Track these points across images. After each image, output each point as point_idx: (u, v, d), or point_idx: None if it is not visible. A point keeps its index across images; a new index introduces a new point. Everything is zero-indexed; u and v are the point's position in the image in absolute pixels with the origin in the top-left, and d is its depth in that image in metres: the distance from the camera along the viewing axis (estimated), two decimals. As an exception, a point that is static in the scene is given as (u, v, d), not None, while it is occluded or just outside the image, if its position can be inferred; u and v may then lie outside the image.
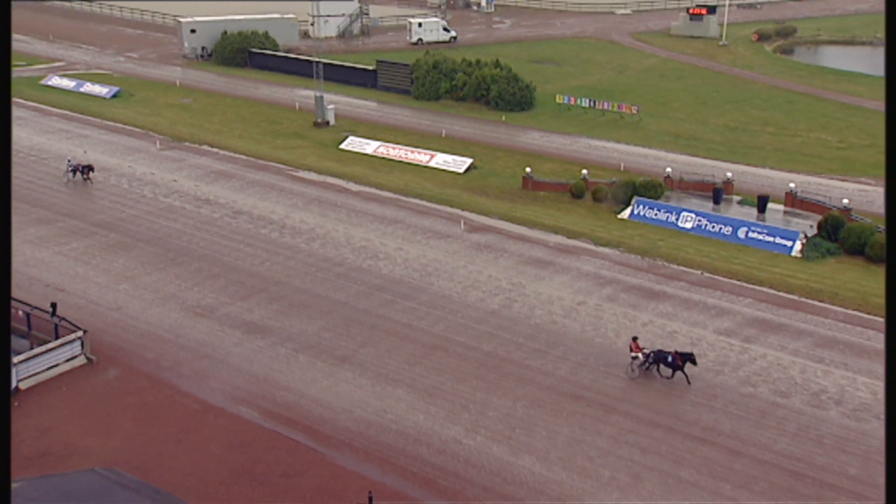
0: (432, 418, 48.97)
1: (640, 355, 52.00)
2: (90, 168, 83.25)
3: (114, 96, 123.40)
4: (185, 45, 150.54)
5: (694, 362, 51.69)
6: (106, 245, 70.77)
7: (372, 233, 74.54)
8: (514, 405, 50.15)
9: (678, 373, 51.82)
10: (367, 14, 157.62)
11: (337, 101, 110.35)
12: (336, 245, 71.86)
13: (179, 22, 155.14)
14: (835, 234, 72.87)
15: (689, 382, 51.41)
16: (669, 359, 51.46)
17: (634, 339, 53.02)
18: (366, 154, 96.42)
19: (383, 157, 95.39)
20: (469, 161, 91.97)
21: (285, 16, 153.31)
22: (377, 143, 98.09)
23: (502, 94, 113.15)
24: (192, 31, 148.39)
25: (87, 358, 53.28)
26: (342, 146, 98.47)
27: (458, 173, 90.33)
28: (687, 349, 54.20)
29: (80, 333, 52.96)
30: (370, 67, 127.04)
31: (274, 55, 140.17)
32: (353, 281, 65.56)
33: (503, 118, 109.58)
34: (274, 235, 73.94)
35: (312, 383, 52.29)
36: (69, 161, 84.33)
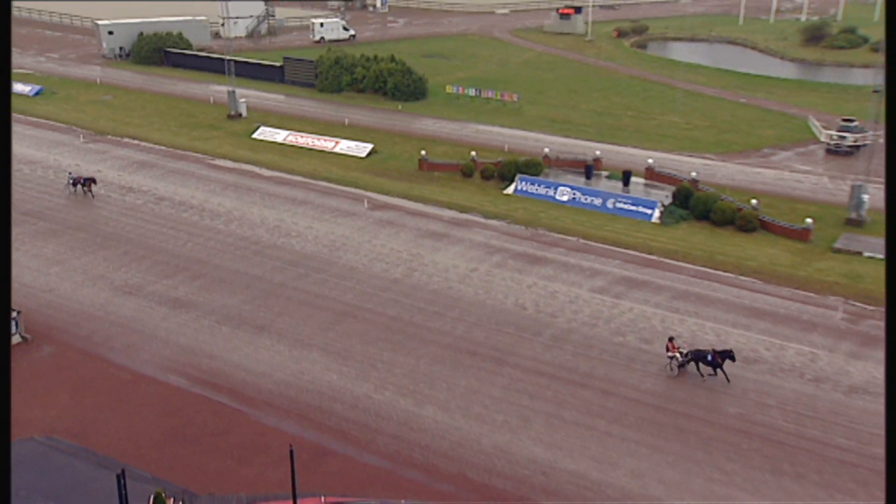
0: (345, 377, 48.73)
1: (677, 355, 49.43)
2: (92, 181, 75.97)
3: (37, 94, 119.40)
4: (104, 45, 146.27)
5: (733, 359, 48.50)
6: (35, 232, 68.61)
7: (284, 213, 73.55)
8: (418, 363, 50.14)
9: (703, 367, 48.86)
10: (272, 15, 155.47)
11: (248, 95, 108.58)
12: (252, 225, 70.76)
13: (97, 24, 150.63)
14: (686, 202, 73.90)
15: (728, 381, 48.57)
16: (709, 357, 48.66)
17: (671, 339, 50.21)
18: (276, 142, 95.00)
19: (292, 145, 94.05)
20: (370, 146, 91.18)
21: (197, 17, 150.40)
22: (286, 132, 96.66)
23: (398, 86, 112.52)
24: (110, 32, 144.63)
25: (23, 336, 51.61)
26: (254, 136, 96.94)
27: (361, 157, 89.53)
28: (588, 315, 54.52)
29: (14, 314, 50.90)
30: (277, 64, 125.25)
31: (188, 54, 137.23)
32: (268, 257, 64.64)
33: (399, 107, 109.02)
34: (194, 219, 72.44)
35: (235, 351, 51.59)
36: (70, 174, 77.70)
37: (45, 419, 43.92)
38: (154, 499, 36.95)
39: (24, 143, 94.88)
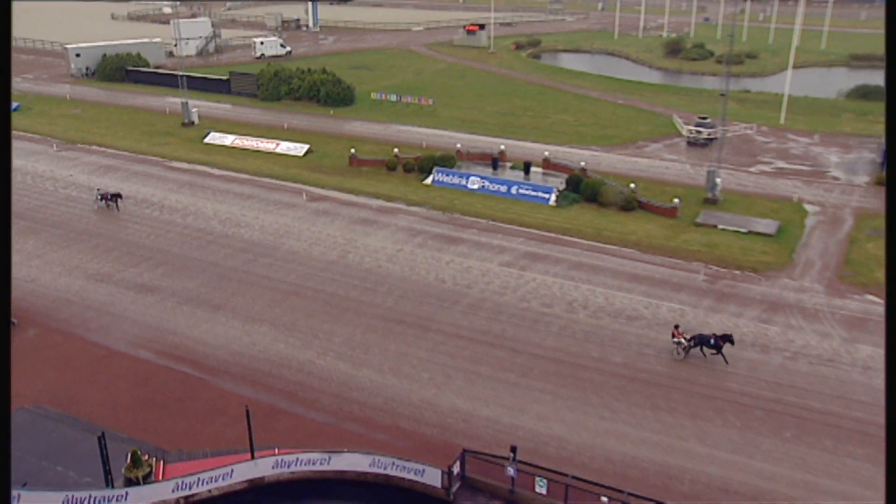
0: (291, 347, 48.32)
1: (682, 340, 47.97)
2: (118, 196, 71.40)
3: (15, 110, 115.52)
4: (72, 66, 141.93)
5: (732, 342, 47.50)
6: (17, 231, 65.98)
7: (234, 207, 72.28)
8: (354, 331, 49.91)
9: (706, 350, 47.20)
10: (219, 36, 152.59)
11: (199, 105, 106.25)
12: (206, 218, 69.41)
13: (66, 48, 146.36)
14: (577, 187, 74.33)
15: (726, 362, 46.95)
16: (712, 341, 47.33)
17: (676, 326, 48.86)
18: (225, 145, 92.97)
19: (239, 147, 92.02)
20: (307, 146, 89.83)
21: (153, 39, 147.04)
22: (234, 136, 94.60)
23: (329, 94, 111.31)
24: (77, 54, 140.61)
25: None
26: (206, 140, 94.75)
27: (299, 156, 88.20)
28: (494, 285, 54.67)
29: (1, 301, 49.59)
30: (224, 77, 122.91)
31: (146, 71, 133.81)
32: (221, 246, 63.56)
33: (331, 112, 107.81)
34: (155, 214, 70.80)
35: (195, 327, 50.85)
36: (98, 190, 72.76)
37: (34, 391, 42.85)
38: (131, 456, 36.51)
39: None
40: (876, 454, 39.75)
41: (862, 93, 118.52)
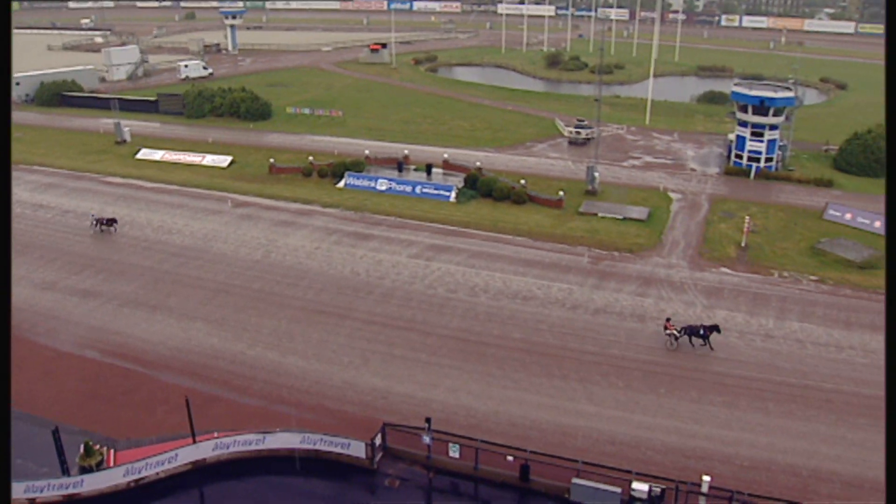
0: (224, 340, 47.46)
1: (674, 332, 46.59)
2: (113, 221, 66.51)
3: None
4: (13, 94, 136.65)
5: (719, 331, 46.27)
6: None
7: (165, 215, 70.14)
8: (279, 323, 49.28)
9: (695, 339, 46.55)
10: (146, 61, 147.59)
11: (131, 125, 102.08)
12: (140, 227, 67.11)
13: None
14: (474, 184, 74.54)
15: (711, 349, 45.92)
16: (701, 331, 45.97)
17: (668, 319, 47.36)
18: (155, 160, 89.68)
19: (168, 161, 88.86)
20: (230, 158, 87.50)
21: (87, 66, 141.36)
22: (163, 151, 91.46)
23: (249, 110, 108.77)
24: (17, 83, 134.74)
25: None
26: (137, 156, 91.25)
27: (223, 167, 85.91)
28: (404, 273, 54.51)
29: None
30: (153, 98, 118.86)
31: (81, 96, 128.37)
32: (156, 251, 61.75)
33: (251, 126, 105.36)
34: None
35: (135, 327, 49.50)
36: (92, 215, 67.33)
37: (-14, 394, 41.16)
38: (84, 446, 36.13)
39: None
40: (732, 400, 41.40)
41: (709, 97, 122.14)
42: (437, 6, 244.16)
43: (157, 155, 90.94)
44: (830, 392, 42.43)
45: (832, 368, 44.76)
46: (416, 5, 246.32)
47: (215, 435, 36.91)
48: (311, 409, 40.40)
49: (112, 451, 37.06)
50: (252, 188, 77.22)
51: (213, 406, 40.46)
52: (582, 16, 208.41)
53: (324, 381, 42.91)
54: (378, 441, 36.77)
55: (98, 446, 36.75)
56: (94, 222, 66.52)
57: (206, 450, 36.66)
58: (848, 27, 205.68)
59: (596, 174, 74.22)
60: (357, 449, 36.57)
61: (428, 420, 36.13)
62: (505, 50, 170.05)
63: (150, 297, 53.46)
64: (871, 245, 62.54)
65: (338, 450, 36.84)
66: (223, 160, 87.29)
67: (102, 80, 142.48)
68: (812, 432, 39.03)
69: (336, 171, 79.58)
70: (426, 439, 36.26)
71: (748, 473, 35.97)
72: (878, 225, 66.07)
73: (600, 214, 68.71)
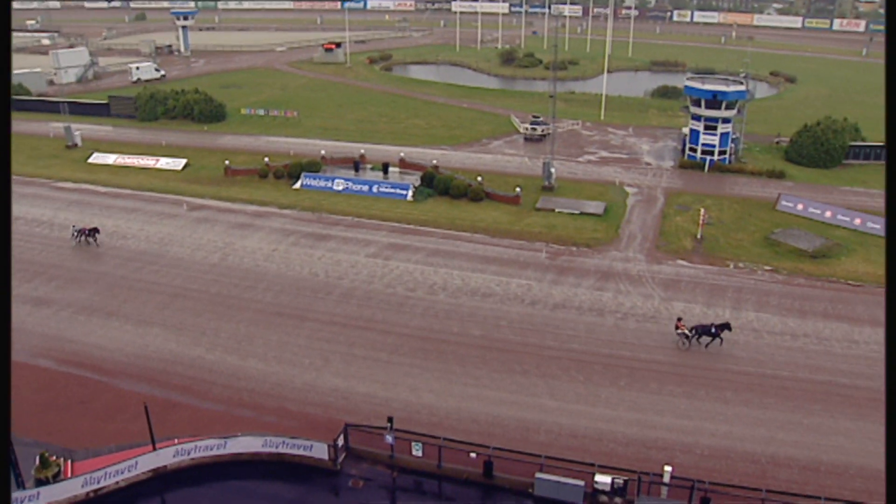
0: (182, 345, 46.87)
1: (685, 332, 46.25)
2: (96, 230, 63.21)
3: None
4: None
5: (730, 329, 46.25)
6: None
7: (120, 220, 68.94)
8: (238, 326, 48.80)
9: (713, 338, 46.25)
10: (96, 63, 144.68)
11: (82, 129, 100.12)
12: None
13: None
14: (431, 183, 74.60)
15: (721, 344, 46.08)
16: (713, 330, 45.86)
17: (679, 319, 47.11)
18: (108, 164, 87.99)
19: (121, 165, 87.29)
20: (184, 161, 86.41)
21: (34, 69, 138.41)
22: (116, 155, 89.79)
23: (203, 112, 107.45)
24: None
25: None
26: (89, 161, 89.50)
27: (178, 170, 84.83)
28: (362, 272, 54.32)
29: None
30: (104, 101, 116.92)
31: (29, 99, 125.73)
32: (111, 257, 60.80)
33: (205, 128, 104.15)
34: (45, 232, 66.77)
35: (91, 334, 48.64)
36: (73, 226, 64.24)
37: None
38: (39, 458, 35.51)
39: None
40: (691, 391, 41.98)
41: (662, 92, 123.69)
42: (390, 4, 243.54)
43: (110, 159, 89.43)
44: (786, 380, 43.27)
45: (788, 356, 45.64)
46: (369, 4, 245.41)
47: (176, 441, 36.53)
48: (271, 411, 40.13)
49: (69, 461, 36.45)
50: (208, 191, 76.36)
51: (173, 412, 39.97)
52: (536, 13, 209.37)
53: (284, 383, 42.65)
54: (340, 442, 36.68)
55: (54, 457, 36.13)
56: (76, 233, 63.59)
57: (166, 457, 36.26)
58: (795, 22, 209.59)
59: (552, 170, 74.71)
60: (320, 450, 36.45)
61: (390, 419, 36.11)
62: (459, 48, 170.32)
63: (105, 304, 52.60)
64: (822, 234, 63.86)
65: (300, 452, 36.67)
66: (178, 163, 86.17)
67: (51, 83, 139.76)
68: (769, 419, 39.76)
69: (292, 171, 79.06)
70: (389, 439, 36.25)
71: (708, 462, 36.54)
72: (829, 215, 67.48)
73: (557, 210, 69.18)
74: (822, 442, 38.11)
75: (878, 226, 65.22)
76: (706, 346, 46.37)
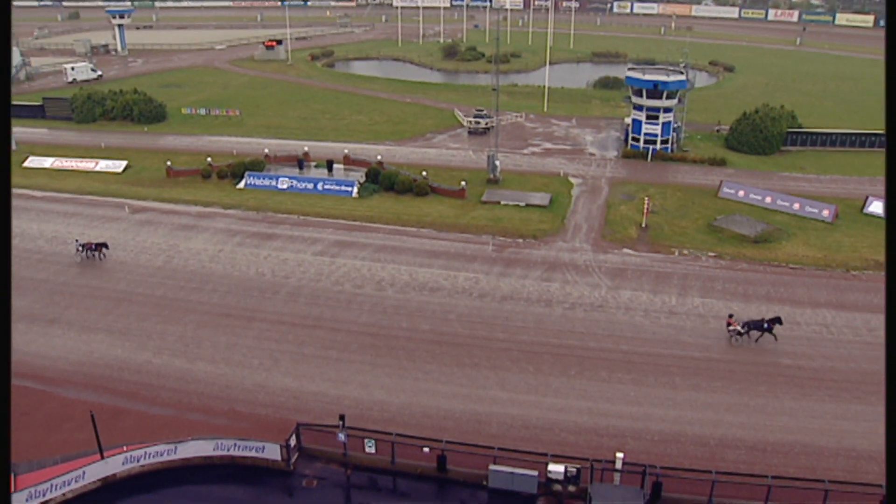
0: (128, 350, 45.97)
1: (737, 328, 46.17)
2: (104, 245, 59.41)
3: None
4: None
5: (781, 322, 46.04)
6: None
7: (59, 225, 67.38)
8: (185, 329, 48.09)
9: (762, 333, 46.45)
10: (28, 64, 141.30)
11: (16, 132, 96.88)
12: (32, 238, 64.28)
13: None
14: (376, 179, 74.40)
15: (776, 339, 45.96)
16: (765, 325, 45.90)
17: (730, 316, 47.10)
18: (45, 168, 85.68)
19: (59, 169, 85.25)
20: (125, 163, 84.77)
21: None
22: (53, 159, 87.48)
23: (142, 112, 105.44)
24: None
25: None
26: (25, 165, 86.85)
27: (118, 173, 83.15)
28: (311, 270, 53.94)
29: None
30: (38, 103, 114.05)
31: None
32: (51, 263, 59.30)
33: (146, 129, 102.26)
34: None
35: (32, 343, 47.30)
36: (77, 241, 60.17)
37: None
38: None
39: None
40: (640, 377, 42.65)
41: (604, 83, 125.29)
42: (331, 1, 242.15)
43: (47, 162, 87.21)
44: (732, 363, 44.22)
45: (733, 340, 46.62)
46: (310, 1, 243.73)
47: (124, 449, 35.88)
48: (222, 413, 39.68)
49: (13, 475, 35.52)
50: (150, 193, 74.99)
51: (121, 419, 39.25)
52: (477, 6, 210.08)
53: (234, 384, 42.20)
54: (293, 442, 36.44)
55: (-4, 471, 35.19)
56: (80, 248, 59.58)
57: (115, 465, 35.62)
58: (732, 12, 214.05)
59: (497, 163, 75.10)
60: (272, 451, 36.18)
61: (342, 417, 36.00)
62: (401, 43, 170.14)
63: (46, 311, 51.33)
64: (763, 220, 65.32)
65: (253, 454, 36.35)
66: (118, 165, 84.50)
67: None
68: (717, 402, 40.58)
69: (236, 171, 78.17)
70: (341, 437, 36.14)
71: (659, 447, 37.16)
72: (769, 200, 69.04)
73: (503, 202, 69.57)
74: (767, 422, 39.08)
75: (815, 210, 67.00)
76: (756, 340, 46.52)
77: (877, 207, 67.84)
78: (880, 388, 41.99)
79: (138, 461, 35.96)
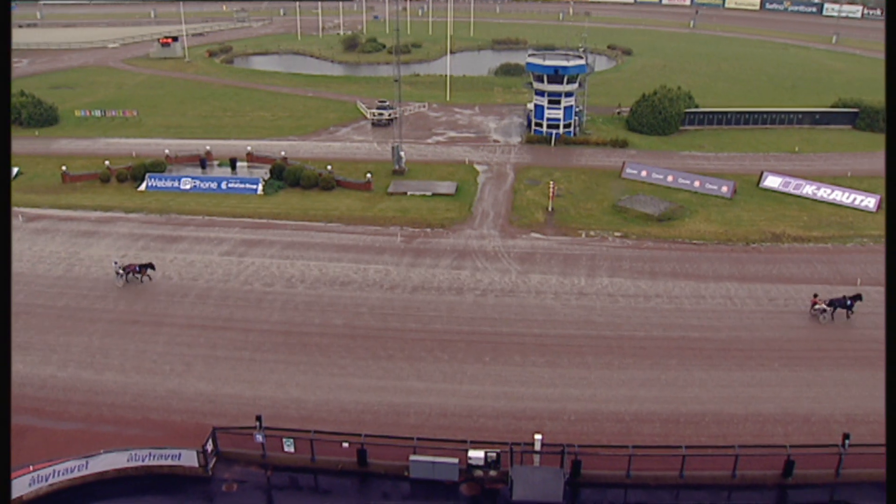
0: (29, 365, 44.04)
1: (823, 306, 47.48)
2: (149, 266, 53.64)
3: None
4: None
5: (861, 299, 47.51)
6: None
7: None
8: (91, 339, 46.45)
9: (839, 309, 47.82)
10: None
11: None
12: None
13: None
14: (281, 175, 73.49)
15: (848, 317, 47.60)
16: (848, 302, 47.20)
17: (815, 295, 48.25)
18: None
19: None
20: (16, 169, 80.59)
21: None
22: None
23: (32, 116, 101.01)
24: None
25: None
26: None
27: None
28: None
29: None
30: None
31: None
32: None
33: (36, 133, 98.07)
34: None
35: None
36: (115, 263, 54.18)
37: None
38: None
39: None
40: (554, 359, 43.52)
41: (506, 70, 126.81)
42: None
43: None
44: (643, 339, 45.55)
45: (642, 317, 48.06)
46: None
47: (31, 469, 34.49)
48: (134, 423, 38.63)
49: None
50: (45, 200, 72.01)
51: (26, 437, 37.70)
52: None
53: (146, 393, 41.11)
54: (210, 447, 35.84)
55: None
56: (121, 271, 53.76)
57: (21, 486, 34.23)
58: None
59: (402, 153, 75.15)
60: (189, 458, 35.50)
61: (258, 418, 35.63)
62: (301, 36, 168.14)
63: (-63, 330, 48.96)
64: (666, 198, 67.33)
65: (169, 462, 35.60)
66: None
67: None
68: (630, 379, 41.76)
69: (136, 173, 75.95)
70: (259, 438, 35.76)
71: (576, 426, 38.01)
72: (671, 179, 71.19)
73: (409, 193, 69.71)
74: (679, 395, 40.47)
75: (715, 186, 69.41)
76: (847, 317, 47.69)
77: (772, 182, 70.81)
78: (782, 353, 44.40)
79: (46, 480, 34.72)
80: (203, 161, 78.15)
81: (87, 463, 35.09)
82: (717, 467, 34.88)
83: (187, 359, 44.05)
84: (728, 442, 36.04)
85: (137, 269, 53.84)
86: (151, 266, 54.02)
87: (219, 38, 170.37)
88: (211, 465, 35.85)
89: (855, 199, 66.80)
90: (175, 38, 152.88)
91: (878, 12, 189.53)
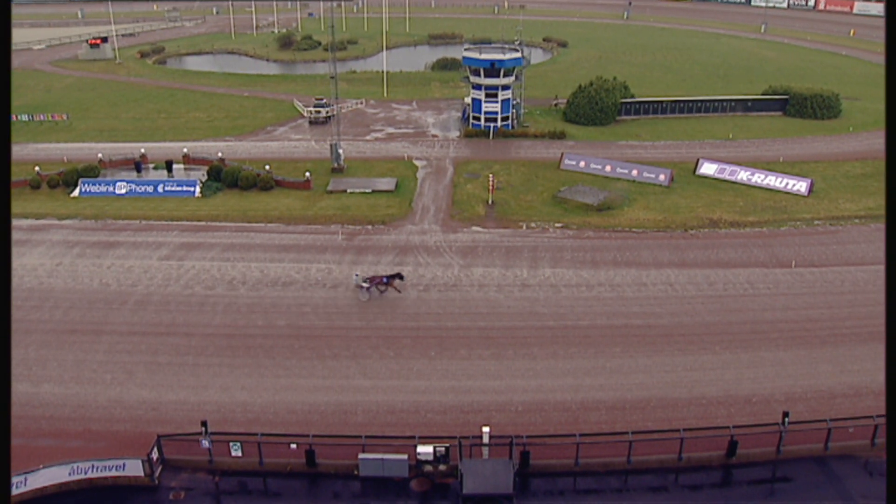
0: (-35, 377, 42.65)
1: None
2: (397, 276, 49.95)
3: None
4: None
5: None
6: None
7: None
8: (27, 351, 45.13)
9: None
10: None
11: None
12: None
13: None
14: (218, 176, 72.43)
15: None
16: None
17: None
18: None
19: None
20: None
21: None
22: None
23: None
24: None
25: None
26: None
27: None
28: (130, 277, 52.00)
29: None
30: None
31: None
32: None
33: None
34: None
35: None
36: (357, 275, 50.71)
37: None
38: None
39: None
40: (499, 352, 43.86)
41: (442, 64, 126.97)
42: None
43: None
44: (587, 328, 46.16)
45: (585, 306, 48.71)
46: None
47: (-35, 486, 33.65)
48: (75, 435, 37.76)
49: None
50: (-29, 209, 69.99)
51: (-40, 453, 36.81)
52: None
53: (87, 403, 40.21)
54: (155, 455, 35.21)
55: None
56: (364, 284, 49.91)
57: (-44, 504, 33.35)
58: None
59: (340, 151, 74.77)
60: (133, 467, 34.84)
61: (204, 423, 35.14)
62: (235, 35, 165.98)
63: None
64: (605, 188, 68.24)
65: (113, 473, 34.87)
66: (-70, 182, 78.45)
67: None
68: (575, 368, 42.29)
69: (68, 179, 74.07)
70: (205, 443, 35.29)
71: (524, 417, 38.39)
72: (609, 169, 72.24)
73: (349, 190, 69.40)
74: (624, 381, 41.18)
75: (652, 175, 70.57)
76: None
77: (708, 169, 72.31)
78: (722, 337, 45.47)
79: (-17, 498, 33.83)
80: (138, 164, 76.57)
81: (25, 480, 34.05)
82: (663, 451, 35.56)
83: (129, 366, 43.20)
84: (673, 426, 36.80)
85: (385, 280, 50.05)
86: (400, 276, 50.30)
87: (150, 38, 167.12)
88: (157, 473, 35.23)
89: (787, 184, 68.58)
90: (105, 39, 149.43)
91: (804, 2, 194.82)
